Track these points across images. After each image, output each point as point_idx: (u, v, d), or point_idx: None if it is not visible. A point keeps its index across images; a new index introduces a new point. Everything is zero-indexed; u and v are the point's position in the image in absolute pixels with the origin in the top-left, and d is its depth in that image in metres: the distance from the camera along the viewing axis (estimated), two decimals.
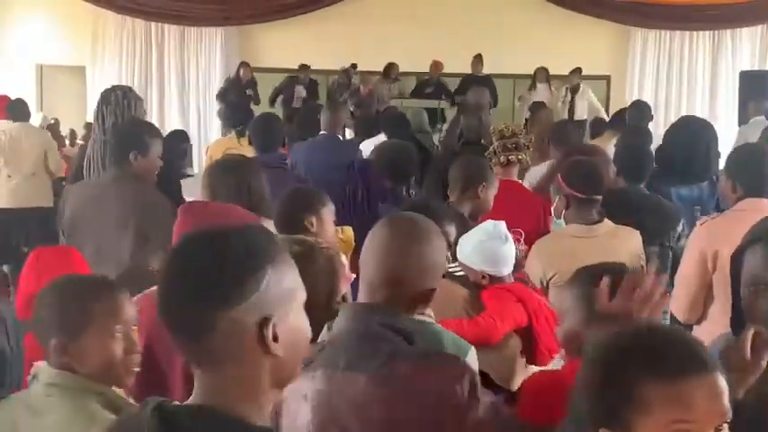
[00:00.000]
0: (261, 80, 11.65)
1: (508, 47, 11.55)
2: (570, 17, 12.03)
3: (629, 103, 8.02)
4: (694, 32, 12.36)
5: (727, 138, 7.89)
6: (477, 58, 11.20)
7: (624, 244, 3.37)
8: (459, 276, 2.97)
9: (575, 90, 10.90)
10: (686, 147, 4.20)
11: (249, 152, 5.02)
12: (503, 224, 2.96)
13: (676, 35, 12.43)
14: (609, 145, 5.64)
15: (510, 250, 2.95)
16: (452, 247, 2.90)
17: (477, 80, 10.43)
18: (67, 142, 10.83)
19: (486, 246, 2.89)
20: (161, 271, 1.32)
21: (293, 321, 1.31)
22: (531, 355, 2.91)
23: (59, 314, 1.93)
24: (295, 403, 1.77)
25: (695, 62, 12.44)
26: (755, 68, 11.48)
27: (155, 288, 2.29)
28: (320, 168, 4.89)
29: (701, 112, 11.42)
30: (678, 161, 4.18)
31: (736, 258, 1.97)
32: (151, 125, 4.18)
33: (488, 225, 2.99)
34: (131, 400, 1.99)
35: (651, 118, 6.59)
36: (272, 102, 11.27)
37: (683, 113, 10.50)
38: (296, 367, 1.35)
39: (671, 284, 3.52)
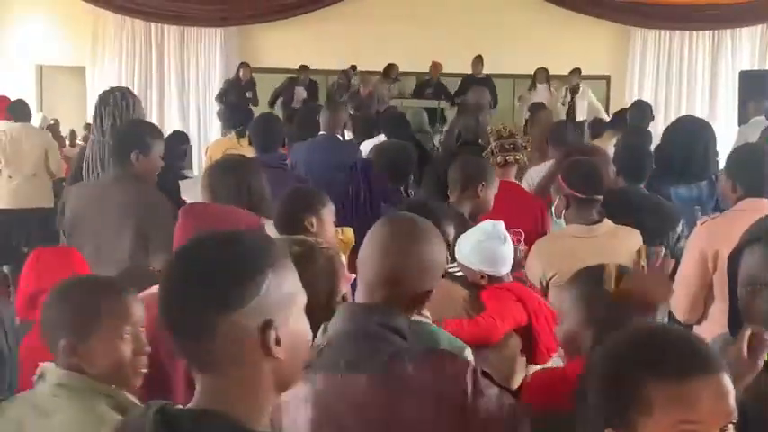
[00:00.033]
0: (261, 80, 11.65)
1: (508, 47, 11.55)
2: (570, 17, 12.03)
3: (628, 103, 8.03)
4: (694, 32, 12.36)
5: (727, 138, 7.89)
6: (478, 59, 11.21)
7: (624, 244, 3.36)
8: (459, 276, 2.97)
9: (574, 91, 10.91)
10: (684, 147, 4.20)
11: (249, 152, 5.03)
12: (501, 224, 2.96)
13: (676, 35, 12.43)
14: (609, 145, 5.65)
15: (508, 250, 2.95)
16: (451, 247, 2.90)
17: (477, 81, 10.44)
18: (67, 143, 10.83)
19: (485, 246, 2.89)
20: (163, 274, 1.33)
21: (294, 325, 1.33)
22: (531, 354, 2.92)
23: (69, 315, 1.93)
24: (295, 405, 1.77)
25: (695, 62, 12.44)
26: (755, 68, 11.48)
27: (155, 288, 2.30)
28: (320, 168, 4.89)
29: (700, 111, 11.43)
30: (676, 161, 4.18)
31: (734, 258, 1.97)
32: (153, 125, 4.18)
33: (487, 225, 2.99)
34: (137, 402, 1.99)
35: (652, 118, 6.59)
36: (272, 104, 11.28)
37: (683, 113, 10.52)
38: (297, 370, 1.37)
39: None
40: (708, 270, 3.07)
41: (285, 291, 1.31)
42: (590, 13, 12.17)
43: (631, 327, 1.51)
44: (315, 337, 1.67)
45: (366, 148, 5.84)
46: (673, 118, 8.90)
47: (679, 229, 3.77)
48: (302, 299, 1.36)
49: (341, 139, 5.62)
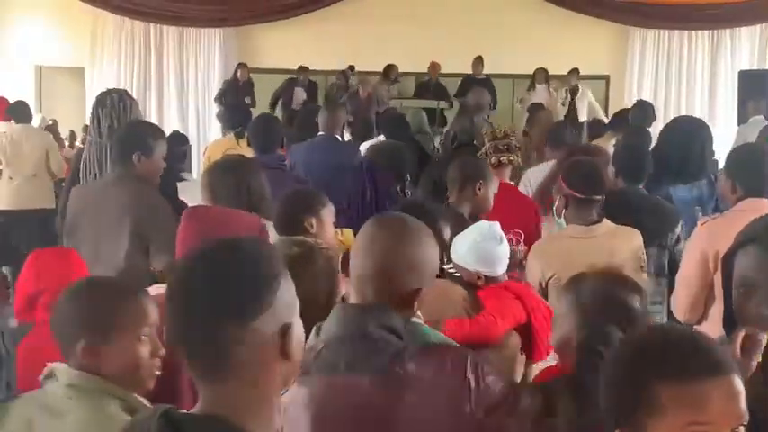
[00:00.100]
0: (260, 81, 11.65)
1: (508, 47, 11.55)
2: (570, 17, 12.03)
3: (627, 103, 8.04)
4: (693, 32, 12.36)
5: (727, 137, 7.89)
6: (478, 60, 11.21)
7: (624, 244, 3.37)
8: (458, 277, 2.97)
9: (573, 92, 10.90)
10: (681, 146, 4.20)
11: (248, 153, 5.03)
12: (497, 224, 2.96)
13: (675, 35, 12.43)
14: (608, 146, 5.64)
15: (504, 250, 2.95)
16: (448, 247, 2.91)
17: (477, 81, 10.44)
18: (66, 144, 10.82)
19: (481, 246, 2.89)
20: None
21: (297, 328, 1.36)
22: (530, 351, 2.92)
23: (88, 316, 1.93)
24: (295, 410, 1.77)
25: (694, 62, 12.44)
26: (754, 68, 11.47)
27: (155, 289, 2.29)
28: (319, 169, 4.89)
29: (700, 111, 11.43)
30: (673, 161, 4.18)
31: (728, 259, 1.97)
32: (156, 127, 4.18)
33: (483, 225, 2.99)
34: (148, 404, 1.98)
35: (654, 118, 6.59)
36: (273, 106, 11.28)
37: (683, 113, 10.52)
38: (298, 371, 1.41)
39: (670, 285, 3.53)
40: (708, 270, 3.06)
41: (291, 294, 1.35)
42: (589, 12, 12.17)
43: (642, 328, 1.51)
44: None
45: (365, 149, 5.83)
46: (672, 117, 8.92)
47: (678, 229, 3.76)
48: (297, 301, 1.39)
49: (340, 139, 5.63)
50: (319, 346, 1.79)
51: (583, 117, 10.54)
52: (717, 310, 3.03)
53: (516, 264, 3.48)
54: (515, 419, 1.75)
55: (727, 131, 9.28)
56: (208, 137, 11.78)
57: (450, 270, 2.93)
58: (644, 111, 6.47)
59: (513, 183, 4.65)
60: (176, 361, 1.92)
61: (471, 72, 11.23)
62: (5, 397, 2.36)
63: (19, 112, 7.40)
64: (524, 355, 2.92)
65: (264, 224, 3.19)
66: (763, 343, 1.71)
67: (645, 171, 4.00)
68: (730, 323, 1.93)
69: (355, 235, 1.99)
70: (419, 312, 2.01)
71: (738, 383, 1.32)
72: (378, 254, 1.80)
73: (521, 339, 2.89)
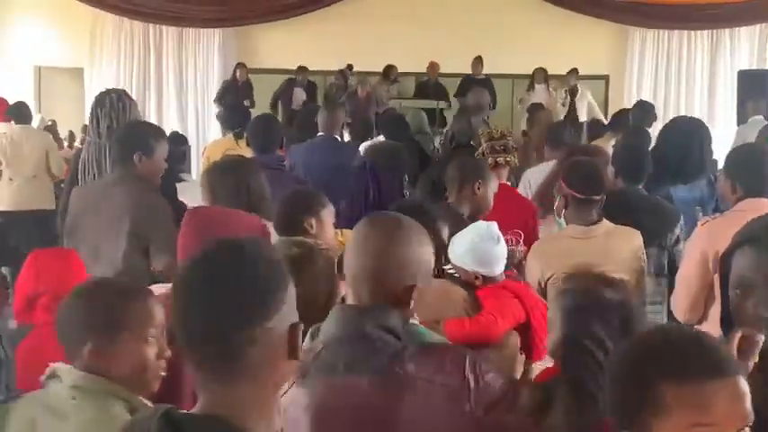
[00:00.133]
0: (259, 82, 11.65)
1: (507, 47, 11.55)
2: (569, 17, 12.04)
3: (627, 103, 8.04)
4: (693, 32, 12.37)
5: (726, 137, 7.89)
6: (478, 60, 11.21)
7: (624, 244, 3.37)
8: (458, 277, 2.97)
9: (573, 92, 10.90)
10: (680, 146, 4.20)
11: (247, 154, 5.02)
12: (494, 225, 2.96)
13: (675, 35, 12.43)
14: (608, 146, 5.64)
15: (502, 250, 2.95)
16: (446, 247, 2.91)
17: (477, 81, 10.44)
18: (66, 144, 10.82)
19: (479, 247, 2.89)
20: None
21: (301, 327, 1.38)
22: (530, 350, 2.92)
23: (96, 318, 1.92)
24: (295, 411, 1.77)
25: (693, 62, 12.45)
26: (754, 68, 11.48)
27: (157, 289, 2.29)
28: (319, 169, 4.89)
29: (699, 111, 11.44)
30: (672, 161, 4.18)
31: (725, 260, 1.97)
32: (157, 128, 4.18)
33: (481, 226, 2.99)
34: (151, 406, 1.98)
35: (655, 118, 6.59)
36: (274, 107, 11.27)
37: (682, 113, 10.52)
38: (296, 371, 1.44)
39: (670, 285, 3.53)
40: (708, 270, 3.06)
41: (294, 293, 1.37)
42: (589, 12, 12.17)
43: (647, 329, 1.51)
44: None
45: (363, 149, 5.83)
46: (671, 117, 8.93)
47: (677, 230, 3.76)
48: None
49: (339, 140, 5.62)
50: (318, 348, 1.79)
51: (582, 117, 10.55)
52: (717, 311, 3.01)
53: (516, 264, 3.49)
54: (515, 417, 1.75)
55: (726, 131, 9.28)
56: (207, 137, 11.78)
57: (449, 270, 2.93)
58: (645, 111, 6.47)
59: (509, 183, 4.66)
60: (177, 361, 1.93)
61: (471, 72, 11.23)
62: (5, 398, 2.35)
63: (19, 112, 7.40)
64: (524, 355, 2.93)
65: (265, 224, 3.19)
66: (760, 344, 1.71)
67: (644, 171, 4.00)
68: (727, 324, 1.93)
69: None
70: (416, 315, 2.02)
71: (744, 384, 1.32)
72: (370, 253, 1.80)
73: (520, 339, 2.90)
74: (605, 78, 12.53)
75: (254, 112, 8.15)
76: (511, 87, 12.18)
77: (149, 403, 1.93)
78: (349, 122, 7.53)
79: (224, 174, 3.42)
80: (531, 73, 11.40)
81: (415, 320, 1.90)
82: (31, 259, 2.86)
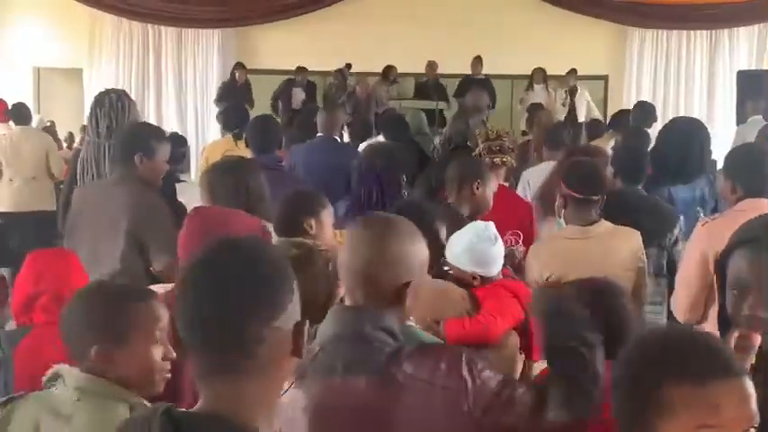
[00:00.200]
0: (259, 82, 11.64)
1: (507, 47, 11.55)
2: (568, 17, 12.04)
3: (626, 103, 8.04)
4: (692, 32, 12.37)
5: (725, 137, 7.90)
6: (477, 60, 11.21)
7: (623, 244, 3.36)
8: (456, 277, 2.97)
9: (572, 93, 10.90)
10: (680, 147, 4.20)
11: (246, 154, 5.02)
12: (492, 225, 2.97)
13: (674, 35, 12.43)
14: (607, 146, 5.65)
15: (499, 250, 2.96)
16: (444, 248, 2.91)
17: (476, 82, 10.44)
18: (65, 145, 10.82)
19: (477, 248, 2.90)
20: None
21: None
22: (530, 351, 2.92)
23: (102, 321, 1.92)
24: (293, 412, 1.77)
25: (692, 62, 12.45)
26: (753, 68, 11.49)
27: (157, 289, 2.29)
28: (318, 170, 4.89)
29: (698, 111, 11.44)
30: (672, 161, 4.18)
31: (723, 260, 1.97)
32: (159, 129, 4.18)
33: (478, 226, 2.99)
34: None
35: (655, 119, 6.59)
36: (274, 108, 11.27)
37: (681, 113, 10.53)
38: (294, 370, 1.44)
39: (670, 285, 3.53)
40: (708, 271, 3.06)
41: (297, 293, 1.37)
42: (588, 13, 12.18)
43: (652, 330, 1.51)
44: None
45: (362, 149, 5.82)
46: (671, 118, 8.94)
47: (676, 230, 3.76)
48: None
49: (339, 140, 5.62)
50: (316, 349, 1.80)
51: (582, 117, 10.55)
52: (717, 311, 3.03)
53: (515, 264, 3.49)
54: (512, 413, 1.74)
55: (725, 131, 9.29)
56: (206, 137, 11.77)
57: (448, 270, 2.94)
58: (645, 111, 6.48)
59: (507, 184, 4.66)
60: (178, 361, 1.93)
61: (470, 72, 11.23)
62: (5, 399, 2.35)
63: (18, 113, 7.42)
64: (524, 355, 2.93)
65: (265, 225, 3.18)
66: (757, 344, 1.71)
67: (643, 172, 4.00)
68: (724, 324, 1.93)
69: None
70: (412, 318, 2.02)
71: (749, 385, 1.31)
72: (362, 254, 1.81)
73: (519, 338, 2.90)
74: (604, 78, 12.54)
75: (254, 113, 8.14)
76: (510, 87, 12.18)
77: (149, 405, 1.93)
78: (349, 123, 7.53)
79: (223, 174, 3.42)
80: (530, 73, 11.40)
81: (410, 322, 1.90)
82: (31, 260, 2.86)
